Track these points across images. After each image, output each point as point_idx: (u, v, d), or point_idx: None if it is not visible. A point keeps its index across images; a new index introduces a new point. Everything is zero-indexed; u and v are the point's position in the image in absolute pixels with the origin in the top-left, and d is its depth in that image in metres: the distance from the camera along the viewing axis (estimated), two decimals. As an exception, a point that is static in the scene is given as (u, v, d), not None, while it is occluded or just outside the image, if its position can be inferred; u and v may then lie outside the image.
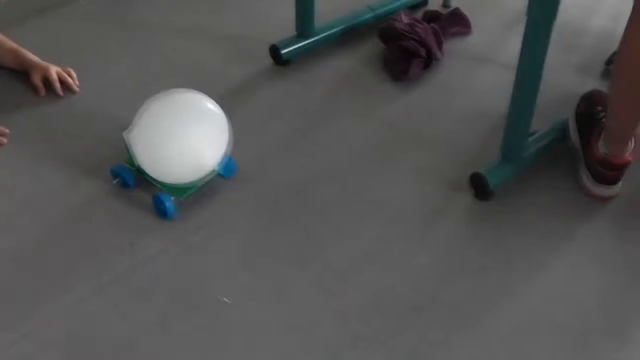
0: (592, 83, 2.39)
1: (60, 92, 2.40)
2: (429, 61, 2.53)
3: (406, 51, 2.51)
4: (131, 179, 2.05)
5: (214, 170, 2.03)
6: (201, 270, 1.90)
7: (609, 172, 2.04)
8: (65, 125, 2.31)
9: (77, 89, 2.43)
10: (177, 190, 2.01)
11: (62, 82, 2.42)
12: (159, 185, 2.02)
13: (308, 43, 2.58)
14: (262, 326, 1.78)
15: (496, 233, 2.01)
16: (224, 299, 1.83)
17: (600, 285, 1.89)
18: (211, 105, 2.05)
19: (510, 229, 2.02)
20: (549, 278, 1.90)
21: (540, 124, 2.16)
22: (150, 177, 2.02)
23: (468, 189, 2.10)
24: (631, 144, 2.02)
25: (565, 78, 2.49)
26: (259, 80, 2.52)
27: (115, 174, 2.07)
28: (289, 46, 2.55)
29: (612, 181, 2.06)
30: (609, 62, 2.52)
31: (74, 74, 2.45)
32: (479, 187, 2.09)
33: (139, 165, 2.00)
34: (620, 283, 1.89)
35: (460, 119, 2.36)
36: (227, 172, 2.08)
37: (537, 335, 1.77)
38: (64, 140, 2.25)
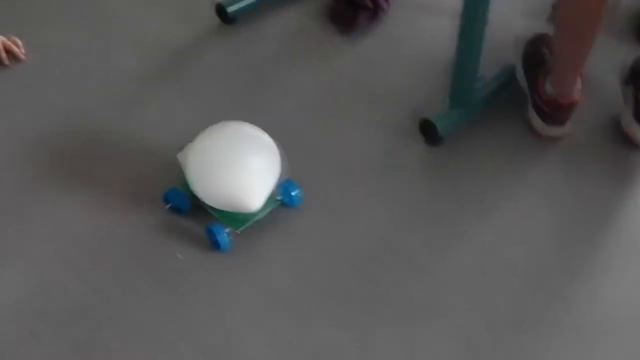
0: (538, 25, 2.40)
1: (6, 61, 2.37)
2: (375, 13, 2.53)
3: (352, 3, 2.51)
4: (186, 204, 1.92)
5: (277, 200, 1.92)
6: (160, 229, 1.91)
7: (558, 112, 2.06)
8: (14, 95, 2.29)
9: (23, 57, 2.40)
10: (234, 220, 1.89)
11: (8, 51, 2.38)
12: (216, 214, 1.89)
13: (254, -1, 2.57)
14: (226, 287, 1.79)
15: (449, 178, 2.03)
16: (179, 255, 1.84)
17: (551, 224, 1.92)
18: (266, 137, 1.92)
19: (462, 173, 2.04)
20: (502, 220, 1.93)
21: (489, 68, 2.18)
22: (205, 204, 1.89)
23: (420, 136, 2.11)
24: (578, 84, 2.04)
25: (512, 21, 2.50)
26: (208, 40, 2.51)
27: (168, 199, 1.93)
28: (235, 4, 2.53)
29: (561, 122, 2.09)
30: (555, 5, 2.53)
31: (19, 43, 2.42)
32: (429, 133, 2.10)
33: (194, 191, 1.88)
34: (571, 221, 1.93)
35: (410, 69, 2.37)
36: (291, 201, 1.96)
37: (491, 276, 1.80)
38: (11, 109, 2.24)
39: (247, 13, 2.55)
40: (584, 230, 1.91)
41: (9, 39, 2.40)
